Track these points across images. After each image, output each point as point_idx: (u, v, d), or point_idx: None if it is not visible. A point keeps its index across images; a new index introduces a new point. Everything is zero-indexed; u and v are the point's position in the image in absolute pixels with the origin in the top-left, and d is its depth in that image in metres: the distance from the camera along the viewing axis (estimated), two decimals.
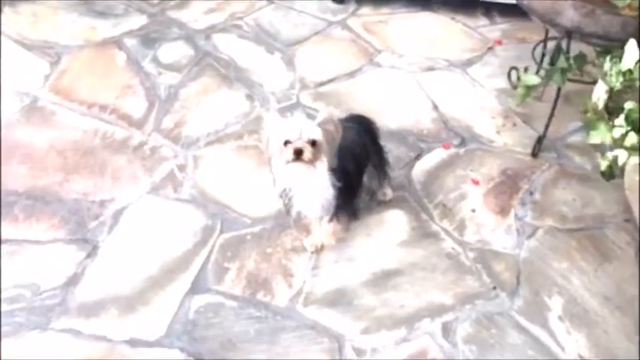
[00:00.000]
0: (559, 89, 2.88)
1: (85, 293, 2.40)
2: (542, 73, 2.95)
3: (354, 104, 3.23)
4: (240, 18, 3.92)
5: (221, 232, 2.63)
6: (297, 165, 2.19)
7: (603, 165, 2.17)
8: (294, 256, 2.54)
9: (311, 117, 2.28)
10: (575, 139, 3.12)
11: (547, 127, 3.00)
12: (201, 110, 3.23)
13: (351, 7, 4.05)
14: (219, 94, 3.34)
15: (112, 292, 2.40)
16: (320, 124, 2.18)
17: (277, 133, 2.19)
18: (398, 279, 2.47)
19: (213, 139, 3.07)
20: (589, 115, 2.20)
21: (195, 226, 2.65)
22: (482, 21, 3.95)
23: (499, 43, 3.75)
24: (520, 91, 2.96)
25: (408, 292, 2.43)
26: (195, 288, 2.42)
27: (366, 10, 4.03)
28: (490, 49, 3.71)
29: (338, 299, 2.40)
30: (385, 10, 4.03)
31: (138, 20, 3.86)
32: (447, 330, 2.30)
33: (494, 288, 2.44)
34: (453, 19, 3.96)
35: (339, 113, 2.27)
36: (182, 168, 2.91)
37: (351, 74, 3.50)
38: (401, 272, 2.49)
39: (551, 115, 2.96)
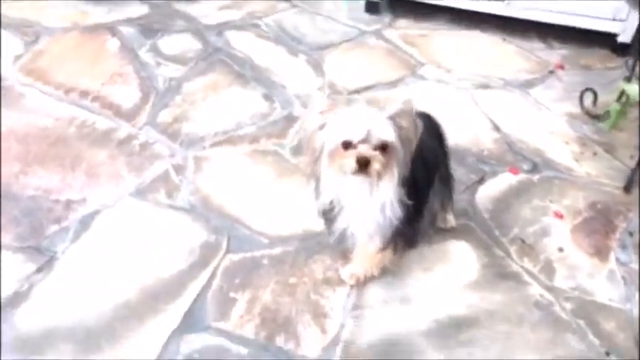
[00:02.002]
0: None
1: (29, 321, 1.67)
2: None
3: None
4: (259, 18, 3.34)
5: (227, 251, 1.93)
6: (359, 178, 1.55)
7: None
8: (327, 290, 1.84)
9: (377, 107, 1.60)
10: None
11: None
12: (207, 107, 2.58)
13: (386, 18, 3.50)
14: (231, 92, 2.70)
15: (69, 321, 1.68)
16: (393, 118, 1.53)
17: (332, 130, 1.53)
18: (472, 331, 1.77)
19: (221, 139, 2.41)
20: None
21: (192, 242, 1.95)
22: (538, 44, 3.39)
23: (561, 67, 3.19)
24: (615, 106, 2.39)
25: (488, 349, 1.72)
26: (188, 324, 1.70)
27: (403, 22, 3.47)
28: (551, 72, 3.14)
29: (390, 353, 1.68)
30: (426, 24, 3.47)
31: (137, 9, 3.26)
32: None
33: (608, 354, 1.74)
34: (504, 40, 3.40)
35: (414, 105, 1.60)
36: (180, 169, 2.23)
37: (392, 84, 2.90)
38: (475, 322, 1.79)
39: None
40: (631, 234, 2.19)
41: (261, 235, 2.00)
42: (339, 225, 1.70)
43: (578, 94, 2.86)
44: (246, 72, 2.84)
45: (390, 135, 1.51)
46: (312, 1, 3.54)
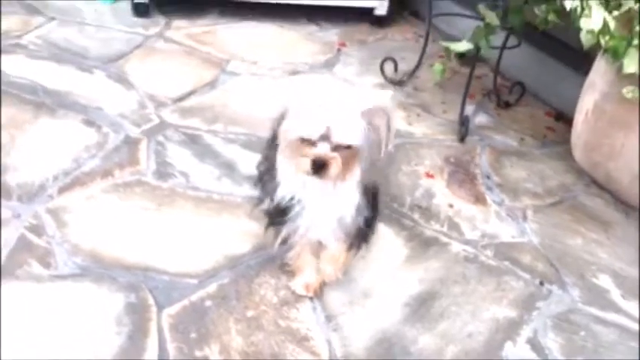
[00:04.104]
0: (477, 52, 2.53)
1: None
2: (470, 42, 2.55)
3: (235, 115, 2.48)
4: (19, 37, 2.79)
5: (159, 307, 1.59)
6: (315, 179, 1.42)
7: None
8: (291, 311, 1.65)
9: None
10: (479, 120, 2.83)
11: (463, 109, 2.66)
12: (23, 149, 2.08)
13: (161, 20, 3.23)
14: (41, 126, 2.22)
15: None
16: (366, 115, 1.40)
17: (293, 121, 1.38)
18: (438, 302, 1.77)
19: (66, 182, 1.97)
20: (611, 42, 1.86)
21: (112, 309, 1.56)
22: (312, 27, 3.49)
23: (343, 45, 3.34)
24: (437, 66, 2.61)
25: (460, 314, 1.74)
26: None
27: (180, 22, 3.25)
28: (339, 50, 3.27)
29: (388, 350, 1.59)
30: (202, 21, 3.30)
31: None
32: (538, 348, 1.68)
33: (542, 283, 1.91)
34: (281, 27, 3.42)
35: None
36: (38, 230, 1.75)
37: (210, 85, 2.70)
38: (435, 293, 1.80)
39: (466, 92, 2.63)
40: (488, 177, 2.42)
41: (184, 276, 1.69)
42: (298, 227, 1.54)
43: (371, 66, 3.05)
44: (44, 100, 2.35)
45: (355, 136, 1.39)
46: (68, 10, 3.09)
